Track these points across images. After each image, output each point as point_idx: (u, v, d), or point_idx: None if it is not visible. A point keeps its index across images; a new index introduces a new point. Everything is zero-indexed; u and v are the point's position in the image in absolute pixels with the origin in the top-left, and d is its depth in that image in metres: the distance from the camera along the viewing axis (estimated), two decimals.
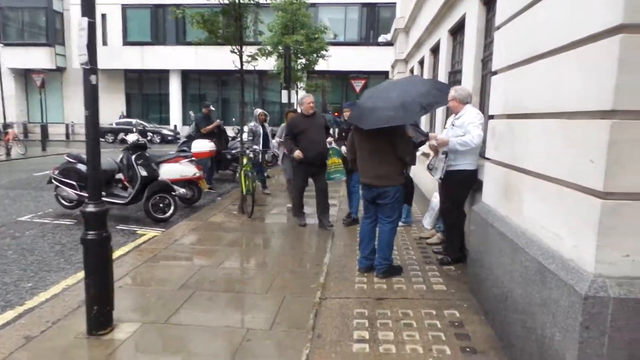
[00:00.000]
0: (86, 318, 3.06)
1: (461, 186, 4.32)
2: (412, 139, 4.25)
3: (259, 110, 8.59)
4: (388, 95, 3.81)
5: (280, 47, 13.90)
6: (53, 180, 6.91)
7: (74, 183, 6.68)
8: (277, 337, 3.06)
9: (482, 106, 5.25)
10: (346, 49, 24.79)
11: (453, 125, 4.38)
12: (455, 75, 6.93)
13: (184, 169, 7.10)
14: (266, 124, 8.46)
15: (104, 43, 27.36)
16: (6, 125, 18.16)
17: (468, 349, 2.84)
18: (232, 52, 6.68)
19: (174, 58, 26.98)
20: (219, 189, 9.24)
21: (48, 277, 4.41)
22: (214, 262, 4.64)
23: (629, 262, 1.99)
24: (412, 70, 12.21)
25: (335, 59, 19.35)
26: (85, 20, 2.67)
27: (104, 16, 26.99)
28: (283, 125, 7.09)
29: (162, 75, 28.24)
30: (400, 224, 4.93)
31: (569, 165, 2.27)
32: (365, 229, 4.26)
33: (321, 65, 17.01)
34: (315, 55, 15.91)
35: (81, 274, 3.58)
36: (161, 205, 6.56)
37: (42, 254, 5.09)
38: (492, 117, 3.74)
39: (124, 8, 27.40)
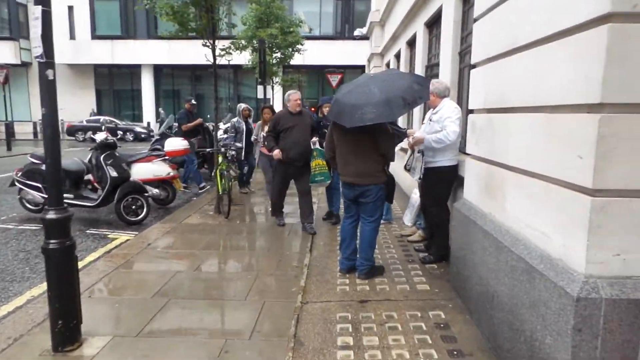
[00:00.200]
0: (51, 334, 2.85)
1: (442, 183, 4.25)
2: (395, 135, 4.15)
3: (242, 106, 8.31)
4: (369, 90, 3.64)
5: (255, 41, 13.61)
6: (16, 183, 6.56)
7: (39, 185, 6.34)
8: (257, 347, 2.91)
9: (460, 100, 5.21)
10: (322, 43, 24.60)
11: (430, 120, 4.30)
12: (432, 69, 6.88)
13: (157, 169, 6.85)
14: (250, 120, 8.20)
15: (72, 37, 26.37)
16: None
17: (455, 352, 2.76)
18: (205, 45, 6.43)
19: (145, 52, 26.23)
20: (194, 188, 8.96)
21: (11, 288, 4.15)
22: (189, 267, 4.45)
23: (620, 261, 1.93)
24: (388, 64, 12.17)
25: (311, 53, 19.14)
26: (39, 8, 2.44)
27: (70, 8, 26.00)
28: (259, 123, 6.88)
29: (133, 71, 27.45)
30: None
31: (555, 161, 2.20)
32: (346, 229, 4.15)
33: (297, 60, 16.78)
34: (290, 49, 15.67)
35: None
36: (133, 207, 6.29)
37: (4, 263, 4.79)
38: (471, 111, 3.67)
39: (92, 0, 26.40)
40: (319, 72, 25.26)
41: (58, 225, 2.77)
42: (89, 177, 6.67)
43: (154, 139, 9.82)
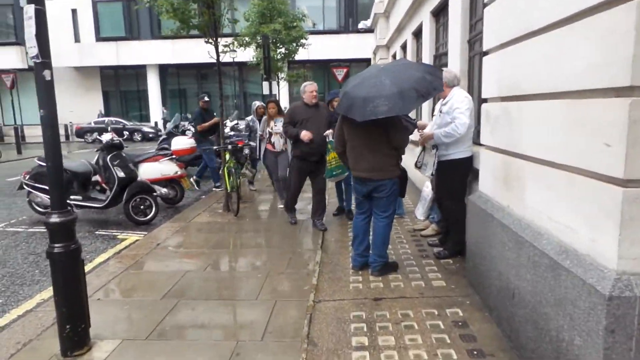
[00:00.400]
0: (59, 338, 2.80)
1: (456, 176, 4.11)
2: (408, 127, 4.01)
3: (257, 104, 8.15)
4: (380, 81, 3.49)
5: (258, 37, 13.49)
6: (24, 186, 6.54)
7: (47, 187, 6.31)
8: (270, 349, 2.83)
9: (471, 89, 5.06)
10: (326, 37, 24.37)
11: (441, 112, 4.16)
12: (440, 59, 6.72)
13: (165, 168, 6.80)
14: (264, 118, 8.08)
15: (77, 40, 26.47)
16: None
17: (475, 352, 2.64)
18: (207, 42, 6.33)
19: (150, 53, 26.21)
20: (204, 187, 8.90)
21: (20, 292, 4.11)
22: (199, 266, 4.38)
23: None
24: (394, 56, 11.97)
25: (316, 48, 18.94)
26: (32, 7, 2.35)
27: (74, 11, 26.09)
28: (264, 118, 6.78)
29: (139, 71, 27.47)
30: None
31: (579, 150, 2.07)
32: (359, 225, 4.03)
33: (301, 55, 16.61)
34: (294, 44, 15.52)
35: None
36: (142, 207, 6.25)
37: (14, 266, 4.77)
38: (485, 100, 3.53)
39: (95, 3, 26.42)
40: (324, 67, 25.09)
41: (62, 229, 2.70)
42: (97, 178, 6.64)
43: (161, 139, 9.78)
